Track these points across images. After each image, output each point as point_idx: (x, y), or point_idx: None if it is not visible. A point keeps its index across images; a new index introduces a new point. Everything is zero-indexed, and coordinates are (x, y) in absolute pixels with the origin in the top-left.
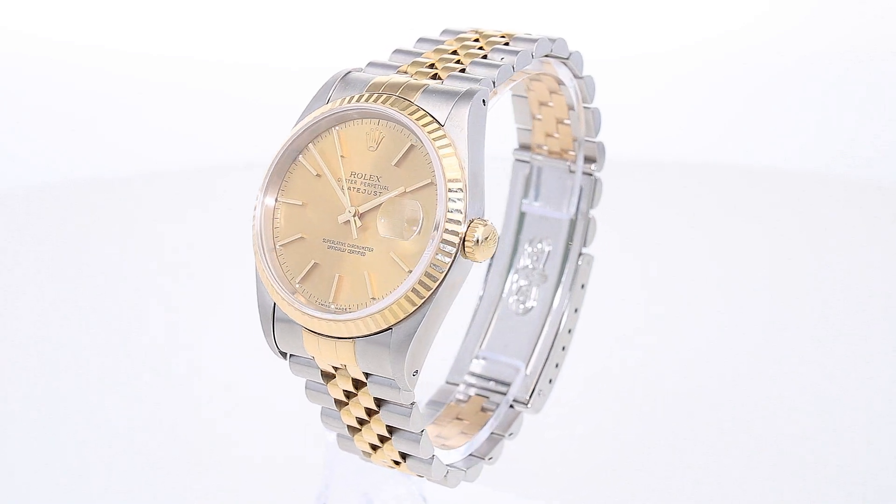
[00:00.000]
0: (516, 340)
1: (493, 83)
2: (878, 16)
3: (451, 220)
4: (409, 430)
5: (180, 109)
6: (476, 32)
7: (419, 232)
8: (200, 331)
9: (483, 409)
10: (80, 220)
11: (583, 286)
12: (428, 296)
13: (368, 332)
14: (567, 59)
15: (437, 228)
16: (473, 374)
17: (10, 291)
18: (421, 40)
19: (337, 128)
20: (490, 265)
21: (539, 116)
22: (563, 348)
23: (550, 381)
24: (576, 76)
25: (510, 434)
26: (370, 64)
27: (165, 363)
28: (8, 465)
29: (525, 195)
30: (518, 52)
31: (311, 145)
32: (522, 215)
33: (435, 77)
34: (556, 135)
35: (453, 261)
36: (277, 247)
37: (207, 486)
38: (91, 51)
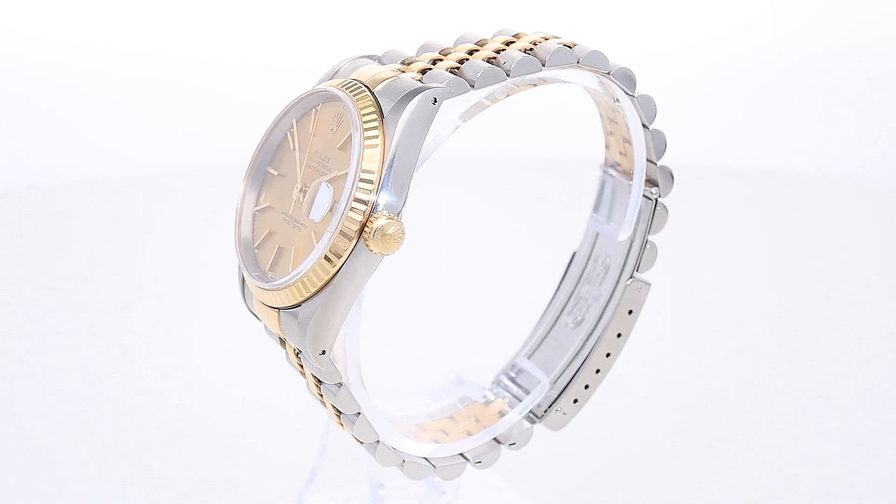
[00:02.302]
0: (555, 354)
1: (472, 85)
2: (878, 16)
3: (353, 208)
4: (344, 412)
5: (180, 109)
6: (517, 36)
7: (333, 216)
8: (200, 330)
9: (500, 414)
10: (80, 220)
11: (630, 312)
12: (328, 279)
13: (283, 305)
14: (608, 73)
15: (340, 215)
16: (509, 379)
17: (10, 291)
18: (460, 39)
19: (319, 106)
20: (563, 278)
21: (611, 132)
22: (598, 371)
23: (576, 401)
24: (626, 93)
25: (511, 444)
26: (386, 53)
27: (165, 363)
28: (7, 466)
29: (596, 210)
30: (518, 58)
31: (295, 120)
32: (596, 232)
33: (426, 72)
34: (625, 154)
35: (353, 248)
36: (255, 212)
37: (207, 485)
38: (91, 51)
